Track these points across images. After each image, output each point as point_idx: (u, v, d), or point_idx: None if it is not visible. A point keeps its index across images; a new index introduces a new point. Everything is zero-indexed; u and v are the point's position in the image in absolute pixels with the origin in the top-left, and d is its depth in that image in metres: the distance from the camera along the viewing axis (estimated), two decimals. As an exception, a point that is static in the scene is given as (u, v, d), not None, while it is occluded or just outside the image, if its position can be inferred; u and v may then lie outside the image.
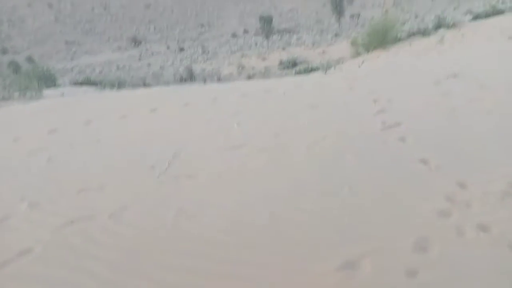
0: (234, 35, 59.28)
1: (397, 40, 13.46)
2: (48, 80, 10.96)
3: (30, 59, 48.46)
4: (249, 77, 32.13)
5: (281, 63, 31.92)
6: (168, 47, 54.06)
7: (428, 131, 3.76)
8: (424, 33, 13.57)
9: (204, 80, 9.92)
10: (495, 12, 15.89)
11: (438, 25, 14.52)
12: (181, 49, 50.41)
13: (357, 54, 14.20)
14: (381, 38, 12.99)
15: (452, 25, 13.85)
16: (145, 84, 30.03)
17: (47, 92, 8.48)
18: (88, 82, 9.74)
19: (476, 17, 15.78)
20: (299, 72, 12.79)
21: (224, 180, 3.13)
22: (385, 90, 5.40)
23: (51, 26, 62.46)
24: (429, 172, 2.98)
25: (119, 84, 7.80)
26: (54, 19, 64.08)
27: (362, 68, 8.41)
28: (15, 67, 36.81)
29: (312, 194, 2.78)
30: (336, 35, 45.35)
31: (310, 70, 12.32)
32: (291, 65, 31.05)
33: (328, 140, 3.70)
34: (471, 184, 2.77)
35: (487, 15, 15.59)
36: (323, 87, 6.28)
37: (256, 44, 48.74)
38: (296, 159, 3.38)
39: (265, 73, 31.81)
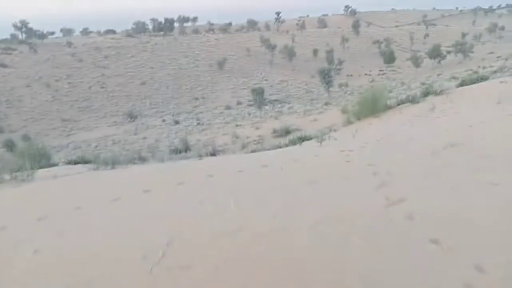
0: (227, 107, 60.91)
1: (387, 107, 13.72)
2: (42, 158, 10.85)
3: (25, 137, 48.89)
4: (244, 146, 32.49)
5: (274, 131, 32.39)
6: (163, 121, 55.12)
7: (436, 207, 3.58)
8: (412, 100, 13.85)
9: (200, 156, 9.62)
10: (479, 78, 16.39)
11: (426, 92, 14.89)
12: (176, 122, 51.39)
13: (349, 122, 14.39)
14: (372, 107, 13.25)
15: (440, 92, 14.18)
16: (140, 158, 30.19)
17: (40, 172, 8.32)
18: (82, 161, 9.57)
19: (462, 83, 16.26)
20: (293, 142, 12.81)
21: (222, 272, 2.89)
22: (383, 162, 5.31)
23: (48, 104, 63.95)
24: (442, 254, 2.77)
25: (113, 162, 7.63)
26: (51, 98, 65.80)
27: (356, 138, 8.31)
28: (10, 146, 36.94)
29: (318, 286, 2.54)
30: (326, 103, 46.65)
31: (304, 138, 12.38)
32: (284, 133, 31.47)
33: (331, 220, 3.51)
34: (490, 267, 2.56)
35: (472, 81, 16.06)
36: (320, 160, 6.20)
37: (249, 114, 49.89)
38: (298, 243, 3.16)
39: (260, 141, 32.28)
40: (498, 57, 75.16)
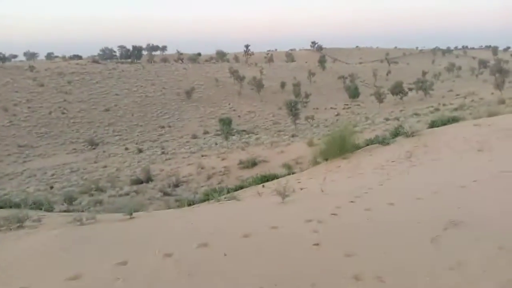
0: (194, 136, 59.96)
1: (355, 147, 13.16)
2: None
3: (-24, 163, 45.88)
4: (209, 177, 31.65)
5: (240, 162, 31.87)
6: (126, 149, 53.38)
7: None
8: (382, 141, 13.24)
9: (131, 212, 6.67)
10: (451, 119, 15.57)
11: (396, 133, 14.30)
12: (140, 151, 49.84)
13: (316, 162, 13.77)
14: (340, 147, 12.61)
15: (411, 134, 13.58)
16: (98, 189, 28.67)
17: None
18: (7, 205, 8.34)
19: (432, 124, 15.65)
20: (256, 180, 12.22)
21: None
22: (367, 253, 3.80)
23: (5, 130, 60.79)
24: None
25: (48, 207, 6.55)
26: (8, 123, 62.70)
27: (325, 191, 6.75)
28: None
29: None
30: (293, 135, 46.82)
31: (268, 178, 11.85)
32: (251, 165, 31.01)
33: None
34: None
35: (443, 122, 15.32)
36: (279, 238, 4.42)
37: (216, 144, 49.24)
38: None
39: (225, 173, 31.53)
40: (457, 95, 78.92)
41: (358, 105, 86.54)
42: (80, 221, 5.43)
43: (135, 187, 28.18)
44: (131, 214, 6.04)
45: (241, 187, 13.51)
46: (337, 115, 73.40)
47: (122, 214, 6.28)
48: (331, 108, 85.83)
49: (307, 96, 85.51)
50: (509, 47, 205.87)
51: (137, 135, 64.26)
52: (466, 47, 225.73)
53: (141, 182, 30.10)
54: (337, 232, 4.30)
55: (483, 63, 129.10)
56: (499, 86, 74.45)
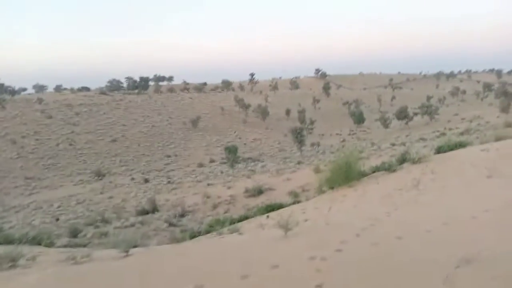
0: (200, 165, 59.87)
1: (361, 175, 12.84)
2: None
3: (-17, 196, 45.94)
4: (215, 207, 31.28)
5: (246, 190, 31.53)
6: (132, 179, 53.31)
7: None
8: (389, 168, 12.92)
9: (127, 248, 6.34)
10: (457, 145, 15.29)
11: (402, 159, 13.97)
12: (146, 180, 49.74)
13: (321, 191, 13.42)
14: (345, 175, 12.30)
15: (418, 160, 13.11)
16: (103, 220, 28.38)
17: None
18: (6, 241, 8.19)
19: (439, 150, 15.28)
20: (261, 210, 11.95)
21: None
22: None
23: (12, 162, 61.23)
24: None
25: (48, 242, 6.41)
26: (16, 155, 63.18)
27: (330, 224, 6.50)
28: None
29: None
30: (299, 162, 46.57)
31: (273, 207, 11.59)
32: (257, 193, 30.66)
33: None
34: None
35: (450, 147, 14.96)
36: (278, 281, 4.05)
37: (222, 172, 49.07)
38: None
39: (231, 202, 31.17)
40: (463, 119, 78.67)
41: (364, 130, 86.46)
42: (74, 260, 5.23)
43: (140, 218, 27.87)
44: (127, 251, 5.83)
45: (246, 217, 13.26)
46: (342, 141, 73.24)
47: (118, 251, 6.04)
48: (336, 134, 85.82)
49: (312, 122, 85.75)
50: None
51: (144, 165, 64.33)
52: (470, 71, 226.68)
53: (147, 213, 29.81)
54: (341, 271, 3.99)
55: (487, 87, 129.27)
56: (504, 109, 74.18)
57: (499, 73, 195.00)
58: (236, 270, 4.38)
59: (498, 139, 16.10)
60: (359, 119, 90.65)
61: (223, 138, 78.73)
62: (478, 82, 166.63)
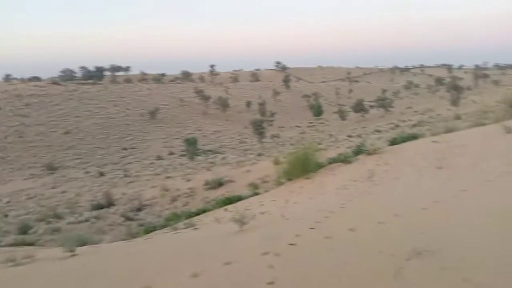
0: (159, 157, 58.72)
1: (318, 166, 13.00)
2: None
3: None
4: (173, 200, 30.77)
5: (206, 183, 31.24)
6: (87, 172, 51.46)
7: None
8: (345, 160, 13.18)
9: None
10: (410, 136, 15.84)
11: (358, 151, 14.30)
12: (101, 174, 48.15)
13: (279, 183, 13.47)
14: (303, 167, 12.43)
15: (373, 151, 13.45)
16: (55, 215, 27.16)
17: None
18: None
19: (393, 142, 15.70)
20: (220, 203, 11.81)
21: None
22: None
23: (-45, 156, 57.52)
24: None
25: None
26: (-41, 149, 59.41)
27: (287, 215, 6.29)
28: None
29: None
30: (259, 154, 46.70)
31: (231, 200, 11.50)
32: (217, 185, 30.43)
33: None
34: None
35: (403, 139, 15.45)
36: (232, 277, 3.92)
37: (181, 165, 48.39)
38: None
39: (191, 194, 30.75)
40: (415, 111, 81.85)
41: (322, 123, 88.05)
42: (14, 261, 4.87)
43: (95, 213, 26.96)
44: (72, 251, 5.50)
45: (204, 211, 13.06)
46: (302, 133, 74.24)
47: (63, 250, 5.68)
48: (296, 126, 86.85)
49: (272, 115, 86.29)
50: (462, 65, 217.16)
51: (99, 158, 62.23)
52: (423, 65, 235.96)
53: (102, 207, 28.88)
54: (294, 267, 3.91)
55: (439, 81, 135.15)
56: (454, 102, 78.02)
57: (449, 68, 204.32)
58: (187, 268, 4.22)
59: (448, 131, 16.75)
60: (318, 111, 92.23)
61: (182, 130, 77.56)
62: (430, 76, 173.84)
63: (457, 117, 47.69)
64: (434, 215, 4.80)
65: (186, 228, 7.36)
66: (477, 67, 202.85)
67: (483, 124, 17.00)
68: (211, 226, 7.30)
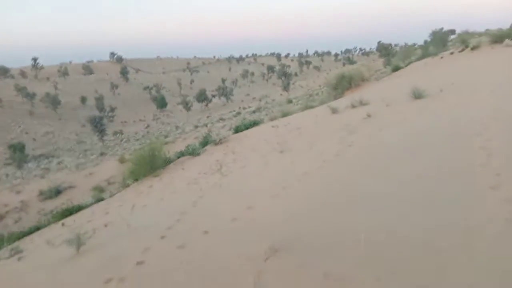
0: (-25, 170, 49.39)
1: (166, 162, 12.46)
2: None
3: None
4: (1, 218, 26.23)
5: (41, 193, 27.54)
6: None
7: None
8: (193, 152, 12.96)
9: None
10: (252, 123, 16.57)
11: (205, 142, 14.28)
12: None
13: (125, 185, 12.48)
14: (150, 165, 11.73)
15: (219, 141, 13.59)
16: None
17: None
18: None
19: (237, 129, 16.06)
20: (57, 216, 10.31)
21: None
22: None
23: None
24: None
25: None
26: None
27: (133, 230, 5.40)
28: None
29: None
30: (102, 154, 43.46)
31: (71, 210, 10.15)
32: (54, 194, 27.10)
33: None
34: None
35: (246, 126, 16.09)
36: None
37: (7, 175, 41.85)
38: None
39: (23, 209, 26.68)
40: (253, 98, 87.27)
41: (167, 115, 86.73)
42: None
43: None
44: None
45: (38, 228, 11.28)
46: (147, 127, 71.78)
47: None
48: (140, 120, 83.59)
49: (112, 109, 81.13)
50: (289, 54, 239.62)
51: None
52: (256, 54, 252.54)
53: None
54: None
55: (271, 69, 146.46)
56: (285, 87, 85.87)
57: (278, 56, 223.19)
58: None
59: (284, 115, 18.07)
60: (161, 103, 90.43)
61: (5, 134, 66.72)
62: (263, 65, 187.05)
63: (289, 101, 52.49)
64: (284, 204, 4.81)
65: (10, 257, 6.05)
66: (301, 55, 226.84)
67: (311, 107, 18.86)
68: (42, 251, 6.12)
